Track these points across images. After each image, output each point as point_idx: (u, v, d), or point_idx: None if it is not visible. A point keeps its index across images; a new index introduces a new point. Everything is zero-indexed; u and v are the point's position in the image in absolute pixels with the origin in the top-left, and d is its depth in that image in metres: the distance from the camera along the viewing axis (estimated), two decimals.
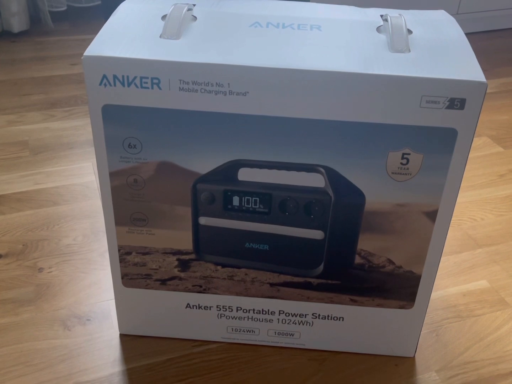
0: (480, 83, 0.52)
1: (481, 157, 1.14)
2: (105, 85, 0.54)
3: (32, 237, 0.89)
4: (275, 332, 0.71)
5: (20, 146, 1.11)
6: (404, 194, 0.59)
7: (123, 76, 0.54)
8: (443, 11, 0.64)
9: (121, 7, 0.62)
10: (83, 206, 0.96)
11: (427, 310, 0.76)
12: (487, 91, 1.39)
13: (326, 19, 0.61)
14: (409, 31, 0.59)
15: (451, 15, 0.63)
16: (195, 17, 0.60)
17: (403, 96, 0.53)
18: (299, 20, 0.60)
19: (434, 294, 0.81)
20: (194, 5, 0.62)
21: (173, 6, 0.59)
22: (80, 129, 1.17)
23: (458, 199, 1.01)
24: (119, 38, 0.55)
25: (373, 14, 0.62)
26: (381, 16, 0.61)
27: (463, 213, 0.98)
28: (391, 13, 0.61)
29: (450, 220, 0.60)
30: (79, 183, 1.01)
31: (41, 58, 1.48)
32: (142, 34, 0.56)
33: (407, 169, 0.57)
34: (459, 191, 1.02)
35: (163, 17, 0.59)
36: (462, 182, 1.04)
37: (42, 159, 1.07)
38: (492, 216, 0.98)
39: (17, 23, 1.56)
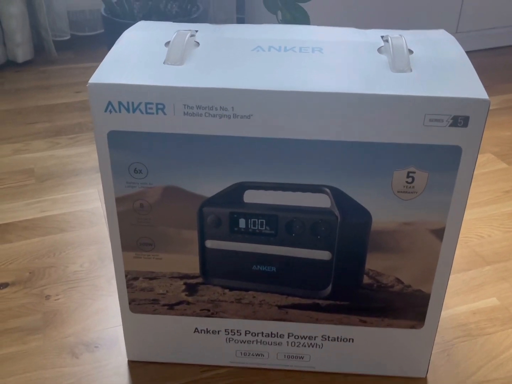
0: (483, 100, 0.52)
1: (485, 174, 1.14)
2: (110, 111, 0.55)
3: (39, 265, 0.89)
4: (285, 355, 0.71)
5: (26, 174, 1.12)
6: (410, 213, 0.59)
7: (128, 103, 0.54)
8: (443, 30, 0.65)
9: (125, 34, 0.62)
10: (89, 232, 0.96)
11: (438, 329, 0.75)
12: (490, 107, 1.40)
13: (327, 42, 0.61)
14: (410, 51, 0.59)
15: (450, 33, 0.64)
16: (198, 43, 0.61)
17: (406, 115, 0.53)
18: (300, 43, 0.61)
19: (444, 313, 0.80)
20: (196, 31, 0.62)
21: (176, 33, 0.60)
22: (85, 156, 1.18)
23: (465, 216, 1.00)
24: (123, 65, 0.56)
25: (374, 35, 0.63)
26: (382, 37, 0.62)
27: (470, 230, 0.98)
28: (392, 33, 0.62)
29: (458, 237, 0.60)
30: (85, 210, 1.01)
31: (46, 86, 1.49)
32: (146, 61, 0.57)
33: (413, 187, 0.57)
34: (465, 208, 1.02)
35: (167, 44, 0.60)
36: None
37: (47, 187, 1.08)
38: (499, 233, 0.97)
39: (22, 53, 1.58)
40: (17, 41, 1.56)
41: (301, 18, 0.89)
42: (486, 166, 1.17)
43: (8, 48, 1.57)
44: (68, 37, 1.66)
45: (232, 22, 1.74)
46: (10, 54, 1.58)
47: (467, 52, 0.58)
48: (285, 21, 0.94)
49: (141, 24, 0.65)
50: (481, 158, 1.19)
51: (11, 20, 1.52)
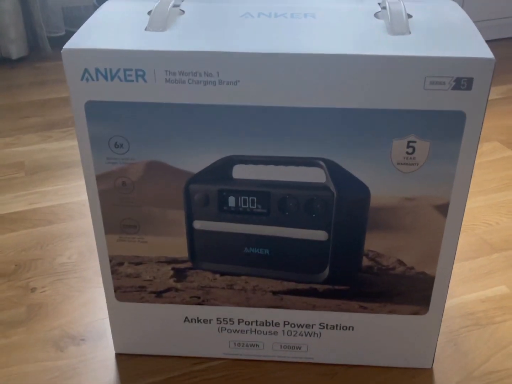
0: (488, 60, 0.48)
1: (492, 162, 1.09)
2: (87, 80, 0.51)
3: (25, 257, 0.85)
4: (281, 346, 0.66)
5: (16, 167, 1.08)
6: (411, 187, 0.54)
7: (105, 69, 0.50)
8: None
9: (105, 4, 0.59)
10: (79, 224, 0.92)
11: (444, 318, 0.71)
12: (495, 97, 1.36)
13: (320, 8, 0.58)
14: (409, 15, 0.55)
15: None
16: (183, 11, 0.57)
17: (405, 78, 0.49)
18: (292, 10, 0.57)
19: (451, 302, 0.76)
20: (182, 0, 0.59)
21: (159, 1, 0.56)
22: (77, 148, 1.13)
23: (471, 204, 0.96)
24: (102, 32, 0.52)
25: (370, 2, 0.59)
26: (379, 4, 0.58)
27: (477, 218, 0.93)
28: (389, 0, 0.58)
29: (463, 214, 0.56)
30: (75, 202, 0.98)
31: (40, 82, 1.46)
32: (126, 28, 0.53)
33: (414, 158, 0.53)
34: (471, 196, 0.98)
35: (149, 13, 0.56)
36: (474, 187, 1.00)
37: (37, 179, 1.04)
38: (507, 220, 0.93)
39: (16, 50, 1.55)
40: (11, 37, 1.53)
41: None
42: (493, 154, 1.12)
43: (2, 44, 1.55)
44: (62, 33, 1.64)
45: None
46: (4, 50, 1.55)
47: None
48: None
49: None
50: (487, 146, 1.14)
51: (4, 16, 1.50)
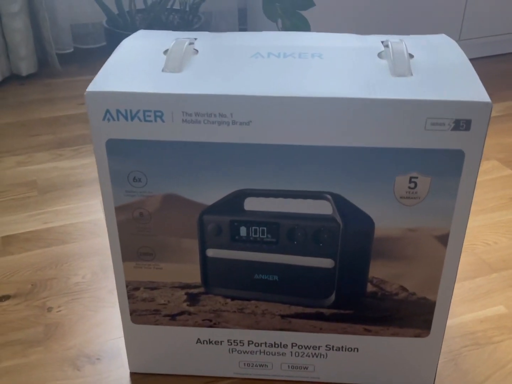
0: (485, 104, 0.51)
1: (490, 181, 1.13)
2: (108, 120, 0.54)
3: (41, 277, 0.88)
4: (289, 366, 0.70)
5: (29, 186, 1.11)
6: (414, 219, 0.58)
7: (126, 111, 0.54)
8: (443, 35, 0.65)
9: (123, 43, 0.62)
10: (91, 243, 0.95)
11: (444, 338, 0.74)
12: (494, 114, 1.39)
13: (327, 47, 0.61)
14: (411, 55, 0.59)
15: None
16: (197, 51, 0.60)
17: (407, 119, 0.52)
18: (300, 49, 0.61)
19: (450, 321, 0.79)
20: (195, 39, 0.62)
21: (174, 41, 0.60)
22: (88, 167, 1.17)
23: (470, 223, 0.99)
24: (121, 73, 0.56)
25: (374, 41, 0.62)
26: (382, 42, 0.62)
27: (476, 237, 0.96)
28: (392, 39, 0.62)
29: (463, 243, 0.59)
30: (87, 221, 1.01)
31: (49, 99, 1.50)
32: (144, 69, 0.57)
33: (416, 193, 0.56)
34: (470, 215, 1.01)
35: (165, 52, 0.60)
36: (473, 206, 1.03)
37: (50, 198, 1.07)
38: (506, 240, 0.96)
39: (25, 67, 1.58)
40: (21, 54, 1.56)
41: (301, 25, 0.89)
42: (491, 172, 1.15)
43: (12, 61, 1.58)
44: (71, 50, 1.67)
45: None
46: (14, 67, 1.59)
47: (470, 60, 0.57)
48: (285, 28, 0.94)
49: (140, 33, 0.65)
50: (486, 165, 1.18)
51: (15, 34, 1.53)
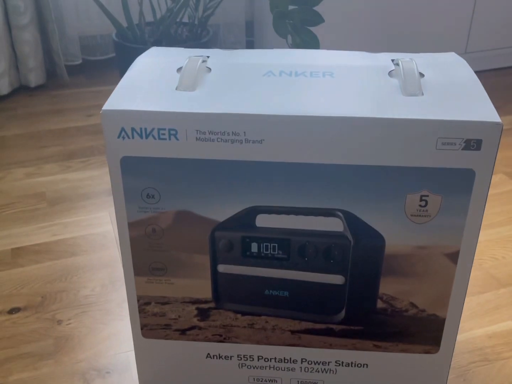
0: (496, 124, 0.52)
1: (498, 195, 1.13)
2: (123, 138, 0.55)
3: (51, 289, 0.89)
4: (298, 381, 0.70)
5: (38, 198, 1.12)
6: (424, 236, 0.58)
7: (141, 129, 0.54)
8: (453, 53, 0.65)
9: (137, 61, 0.63)
10: (101, 256, 0.96)
11: (453, 353, 0.74)
12: None
13: (338, 66, 0.62)
14: (421, 75, 0.59)
15: (459, 54, 0.64)
16: (210, 69, 0.61)
17: (418, 139, 0.53)
18: (311, 68, 0.61)
19: (459, 337, 0.79)
20: (208, 57, 0.63)
21: (188, 59, 0.61)
22: (97, 179, 1.18)
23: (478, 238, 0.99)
24: (136, 92, 0.57)
25: (384, 59, 0.63)
26: (392, 60, 0.62)
27: (483, 252, 0.97)
28: (402, 57, 0.62)
29: (473, 261, 0.59)
30: (96, 233, 1.02)
31: (58, 110, 1.51)
32: (158, 87, 0.57)
33: (426, 211, 0.57)
34: None
35: (178, 70, 0.60)
36: None
37: (59, 210, 1.08)
38: None
39: (34, 78, 1.60)
40: (29, 66, 1.58)
41: (311, 42, 0.90)
42: (498, 186, 1.16)
43: (21, 73, 1.60)
44: (79, 62, 1.69)
45: (241, 46, 1.75)
46: (23, 78, 1.61)
47: (477, 72, 0.58)
48: (295, 45, 0.95)
49: (153, 50, 0.66)
50: (493, 179, 1.18)
51: (24, 45, 1.55)
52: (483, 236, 1.01)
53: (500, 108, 1.50)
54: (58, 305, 0.85)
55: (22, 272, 0.92)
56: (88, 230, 1.02)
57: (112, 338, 0.80)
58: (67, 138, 1.37)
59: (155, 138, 0.55)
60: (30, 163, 1.25)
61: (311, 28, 0.92)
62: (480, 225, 0.57)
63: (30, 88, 1.61)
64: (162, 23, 1.37)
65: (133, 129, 0.54)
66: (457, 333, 0.64)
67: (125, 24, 1.38)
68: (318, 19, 0.88)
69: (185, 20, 1.47)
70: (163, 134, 0.55)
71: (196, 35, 1.42)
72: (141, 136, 0.55)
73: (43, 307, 0.85)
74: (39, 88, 1.62)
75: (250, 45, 1.79)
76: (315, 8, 0.95)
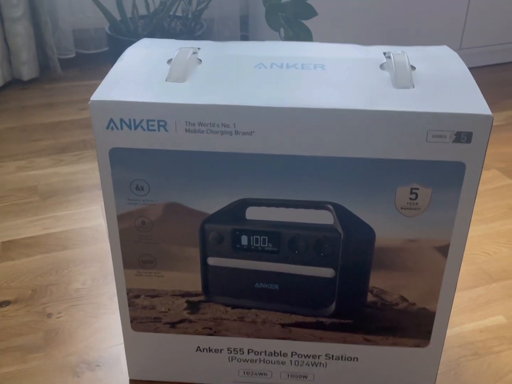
0: (486, 116, 0.52)
1: (491, 190, 1.13)
2: (112, 128, 0.55)
3: (41, 282, 0.88)
4: (288, 375, 0.70)
5: (30, 191, 1.12)
6: (414, 230, 0.58)
7: (129, 120, 0.54)
8: (445, 46, 0.65)
9: (127, 52, 0.63)
10: (92, 249, 0.95)
11: (444, 347, 0.74)
12: (495, 124, 1.39)
13: (329, 58, 0.61)
14: (412, 67, 0.59)
15: (454, 50, 0.64)
16: (200, 60, 0.61)
17: (409, 131, 0.53)
18: (302, 60, 0.61)
19: (450, 331, 0.79)
20: (199, 48, 0.63)
21: (178, 50, 0.60)
22: (89, 172, 1.18)
23: (470, 233, 0.99)
24: (125, 83, 0.56)
25: (376, 52, 0.63)
26: (384, 53, 0.62)
27: (476, 247, 0.97)
28: (394, 50, 0.62)
29: (463, 254, 0.59)
30: (88, 227, 1.01)
31: (50, 104, 1.50)
32: (148, 78, 0.57)
33: (416, 204, 0.56)
34: (471, 225, 1.02)
35: (169, 61, 0.60)
36: (473, 216, 1.03)
37: (51, 204, 1.08)
38: (506, 250, 0.96)
39: (27, 71, 1.59)
40: (22, 59, 1.57)
41: (304, 35, 0.89)
42: (492, 182, 1.16)
43: (14, 66, 1.59)
44: (73, 55, 1.68)
45: (236, 40, 1.75)
46: (16, 72, 1.59)
47: (471, 69, 0.57)
48: (287, 38, 0.94)
49: (143, 42, 0.66)
50: (486, 174, 1.18)
51: (17, 38, 1.54)
52: (476, 231, 1.01)
53: (494, 104, 1.50)
54: (48, 298, 0.85)
55: (13, 265, 0.92)
56: (79, 224, 1.02)
57: (102, 331, 0.79)
58: (59, 131, 1.36)
59: (144, 130, 0.54)
60: (22, 157, 1.24)
61: (304, 21, 0.92)
62: (470, 218, 0.57)
63: (22, 82, 1.60)
64: (155, 16, 1.36)
65: (122, 120, 0.54)
66: (447, 326, 0.64)
67: (118, 18, 1.38)
68: (311, 12, 0.88)
69: (179, 13, 1.46)
70: (152, 125, 0.54)
71: (190, 28, 1.42)
72: (130, 127, 0.54)
73: (33, 300, 0.85)
74: (32, 81, 1.61)
75: (244, 39, 1.79)
76: (308, 1, 0.95)
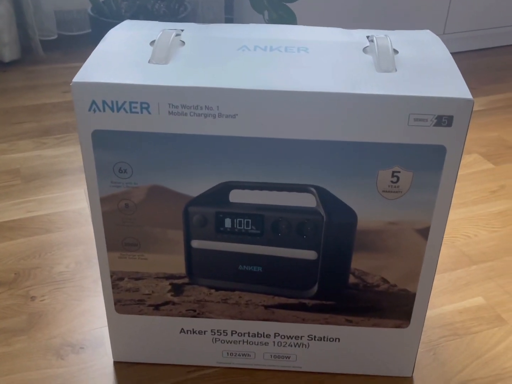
0: (467, 100, 0.52)
1: (472, 174, 1.14)
2: (94, 110, 0.54)
3: (24, 266, 0.88)
4: (271, 355, 0.71)
5: (12, 174, 1.11)
6: (395, 212, 0.59)
7: (112, 102, 0.54)
8: (428, 30, 0.65)
9: (110, 33, 0.62)
10: (76, 232, 0.95)
11: (424, 328, 0.76)
12: (476, 108, 1.41)
13: (313, 41, 0.61)
14: (395, 51, 0.59)
15: (438, 35, 0.64)
16: (183, 42, 0.60)
17: (390, 115, 0.53)
18: (286, 43, 0.61)
19: (430, 312, 0.81)
20: (182, 30, 0.62)
21: (161, 32, 0.60)
22: (72, 155, 1.17)
23: (451, 216, 1.01)
24: (108, 64, 0.56)
25: (360, 36, 0.63)
26: (367, 37, 0.62)
27: (456, 230, 0.98)
28: (377, 34, 0.62)
29: (443, 236, 0.60)
30: (71, 210, 1.01)
31: (33, 86, 1.48)
32: (131, 60, 0.57)
33: (398, 187, 0.57)
34: (452, 208, 1.03)
35: (152, 43, 0.60)
36: (454, 199, 1.05)
37: (34, 187, 1.07)
38: (486, 233, 0.98)
39: (8, 53, 1.56)
40: (3, 40, 1.54)
41: (288, 18, 0.89)
42: (473, 166, 1.17)
43: None
44: (55, 37, 1.65)
45: (220, 22, 1.73)
46: None
47: (455, 54, 0.58)
48: (271, 20, 0.94)
49: (126, 23, 0.65)
50: (468, 159, 1.19)
51: None
52: (457, 214, 1.02)
53: (477, 89, 1.51)
54: (32, 281, 0.85)
55: None
56: (63, 207, 1.01)
57: (86, 314, 0.80)
58: (42, 114, 1.35)
59: (126, 112, 0.54)
60: (4, 140, 1.23)
61: (288, 4, 0.91)
62: (451, 201, 0.58)
63: (4, 63, 1.57)
64: None
65: (104, 102, 0.54)
66: (427, 307, 0.65)
67: None
68: None
69: None
70: (135, 107, 0.54)
71: (174, 10, 1.40)
72: (112, 109, 0.54)
73: (16, 283, 0.84)
74: (14, 63, 1.59)
75: (229, 22, 1.77)
76: None
